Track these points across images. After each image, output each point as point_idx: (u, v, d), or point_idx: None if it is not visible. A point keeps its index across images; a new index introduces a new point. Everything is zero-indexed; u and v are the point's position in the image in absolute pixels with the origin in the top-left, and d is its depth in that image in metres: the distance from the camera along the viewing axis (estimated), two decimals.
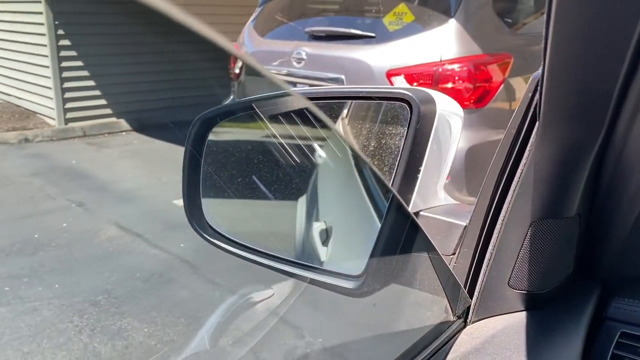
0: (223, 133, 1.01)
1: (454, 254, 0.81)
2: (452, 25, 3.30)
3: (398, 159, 0.79)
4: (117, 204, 4.98)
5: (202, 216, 0.98)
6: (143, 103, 7.82)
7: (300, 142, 0.88)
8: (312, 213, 0.93)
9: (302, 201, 0.93)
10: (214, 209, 0.99)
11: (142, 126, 7.69)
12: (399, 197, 0.73)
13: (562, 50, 0.52)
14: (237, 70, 4.38)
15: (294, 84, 3.87)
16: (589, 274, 0.82)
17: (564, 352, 0.71)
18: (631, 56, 0.50)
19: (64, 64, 7.28)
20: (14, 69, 8.11)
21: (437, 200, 0.89)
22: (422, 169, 0.78)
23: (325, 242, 0.87)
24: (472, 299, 0.79)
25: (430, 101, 0.82)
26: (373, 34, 3.56)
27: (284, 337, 2.19)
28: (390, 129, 0.85)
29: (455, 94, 3.23)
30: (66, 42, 7.26)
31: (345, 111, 0.98)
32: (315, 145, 0.88)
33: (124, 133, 7.70)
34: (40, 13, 7.12)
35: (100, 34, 7.41)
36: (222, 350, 1.21)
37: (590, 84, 0.55)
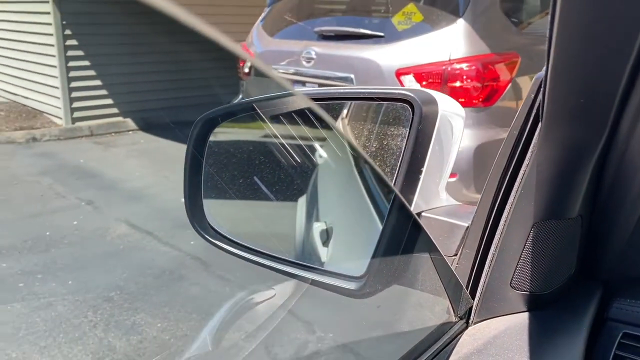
0: (224, 134, 1.02)
1: (456, 254, 0.81)
2: (460, 25, 3.34)
3: (400, 160, 0.79)
4: (126, 202, 5.02)
5: (204, 217, 0.98)
6: (149, 102, 7.85)
7: (301, 142, 0.88)
8: (312, 213, 0.93)
9: (302, 201, 0.94)
10: (215, 209, 0.99)
11: (148, 125, 7.72)
12: (401, 197, 0.72)
13: (565, 51, 0.52)
14: (246, 70, 4.42)
15: (303, 83, 3.91)
16: (591, 274, 0.82)
17: (566, 353, 0.71)
18: (635, 57, 0.50)
19: (71, 63, 7.32)
20: (21, 69, 8.16)
21: (439, 201, 0.88)
22: (424, 169, 0.78)
23: (325, 243, 0.87)
24: (474, 300, 0.79)
25: (432, 102, 0.82)
26: (382, 34, 3.60)
27: (295, 331, 2.24)
28: (392, 129, 0.85)
29: (463, 92, 3.27)
30: (73, 42, 7.30)
31: (345, 111, 0.98)
32: (316, 145, 0.88)
33: (130, 132, 7.74)
34: (48, 13, 7.16)
35: (107, 34, 7.45)
36: (224, 350, 1.22)
37: (593, 84, 0.55)
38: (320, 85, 3.81)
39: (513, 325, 0.76)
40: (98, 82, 7.60)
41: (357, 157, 0.86)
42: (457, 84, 3.26)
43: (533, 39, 3.54)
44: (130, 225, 4.37)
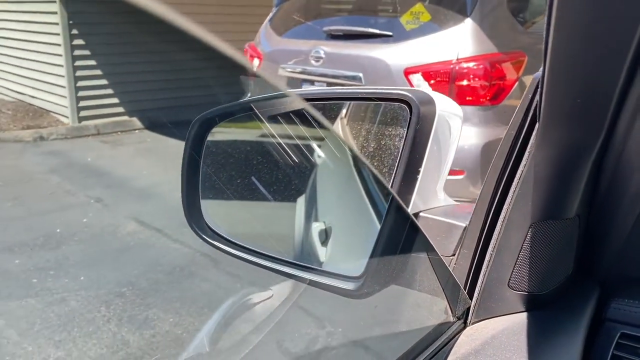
0: (222, 134, 1.01)
1: (453, 255, 0.81)
2: (468, 25, 3.38)
3: (397, 160, 0.79)
4: (135, 200, 5.06)
5: (201, 217, 0.97)
6: (155, 102, 7.89)
7: (299, 142, 0.88)
8: (311, 213, 0.93)
9: (301, 201, 0.93)
10: (213, 210, 0.99)
11: (154, 124, 7.77)
12: (398, 198, 0.72)
13: (562, 51, 0.52)
14: (255, 68, 4.46)
15: (312, 82, 3.96)
16: (589, 275, 0.81)
17: (564, 353, 0.71)
18: (632, 57, 0.49)
19: (78, 63, 7.36)
20: (28, 69, 8.19)
21: (436, 201, 0.88)
22: (421, 169, 0.77)
23: (324, 243, 0.87)
24: (471, 300, 0.78)
25: (430, 102, 0.81)
26: (390, 33, 3.64)
27: (306, 326, 2.28)
28: (390, 129, 0.84)
29: (471, 91, 3.31)
30: (80, 42, 7.34)
31: (344, 111, 0.98)
32: (314, 145, 0.88)
33: (136, 131, 7.78)
34: (55, 13, 7.20)
35: (113, 33, 7.48)
36: (221, 351, 1.22)
37: (590, 85, 0.55)
38: (329, 84, 3.86)
39: (511, 326, 0.75)
40: (104, 82, 7.65)
41: (356, 157, 0.86)
42: (465, 82, 3.30)
43: (538, 38, 3.58)
44: (139, 222, 4.41)
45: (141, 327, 3.00)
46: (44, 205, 4.89)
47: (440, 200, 0.89)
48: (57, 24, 7.21)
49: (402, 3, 3.67)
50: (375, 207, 0.78)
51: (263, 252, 0.89)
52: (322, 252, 0.87)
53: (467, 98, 3.32)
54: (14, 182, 5.52)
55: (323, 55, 3.88)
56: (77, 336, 2.90)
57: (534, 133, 0.69)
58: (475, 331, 0.77)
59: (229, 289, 3.48)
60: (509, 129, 0.74)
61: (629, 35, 0.47)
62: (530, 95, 0.72)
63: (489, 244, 0.76)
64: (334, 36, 3.95)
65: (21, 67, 8.34)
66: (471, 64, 3.31)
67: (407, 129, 0.79)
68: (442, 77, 3.34)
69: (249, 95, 4.57)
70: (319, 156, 0.90)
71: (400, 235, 0.71)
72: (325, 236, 0.87)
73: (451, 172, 3.00)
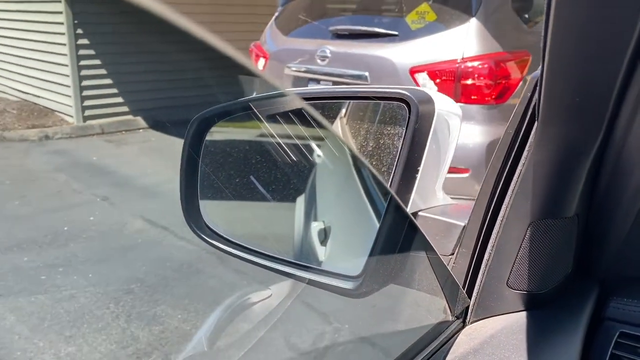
0: (221, 133, 1.01)
1: (452, 254, 0.81)
2: (473, 24, 3.41)
3: (396, 159, 0.78)
4: (141, 198, 5.10)
5: (200, 217, 0.97)
6: (159, 101, 7.93)
7: (298, 142, 0.88)
8: (310, 213, 0.93)
9: (301, 201, 0.93)
10: (211, 209, 0.98)
11: (158, 124, 7.81)
12: (396, 197, 0.72)
13: (561, 49, 0.52)
14: (260, 68, 4.50)
15: (318, 81, 3.99)
16: (588, 274, 0.81)
17: (563, 352, 0.71)
18: (630, 54, 0.49)
19: (82, 62, 7.39)
20: (33, 68, 8.22)
21: (435, 200, 0.88)
22: (420, 169, 0.77)
23: (323, 242, 0.87)
24: (470, 299, 0.78)
25: (429, 101, 0.81)
26: (396, 33, 3.67)
27: (312, 322, 2.31)
28: (389, 128, 0.84)
29: (476, 90, 3.34)
30: (85, 41, 7.37)
31: (343, 111, 0.97)
32: (314, 145, 0.88)
33: (140, 130, 7.81)
34: (60, 13, 7.24)
35: (118, 33, 7.51)
36: (219, 351, 1.21)
37: (589, 83, 0.55)
38: (335, 83, 3.89)
39: (510, 325, 0.75)
40: (109, 81, 7.68)
41: (355, 157, 0.85)
42: (470, 81, 3.33)
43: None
44: (146, 220, 4.45)
45: (150, 323, 3.03)
46: (51, 204, 4.92)
47: (439, 199, 0.89)
48: (62, 23, 7.24)
49: (408, 3, 3.70)
50: (375, 206, 0.78)
51: (262, 251, 0.89)
52: (321, 252, 0.86)
53: (472, 97, 3.35)
54: (20, 181, 5.56)
55: (329, 55, 3.92)
56: (87, 332, 2.93)
57: (532, 132, 0.69)
58: (474, 330, 0.77)
59: (236, 285, 3.51)
60: (507, 128, 0.74)
61: (627, 33, 0.47)
62: (529, 94, 0.72)
63: (487, 243, 0.76)
64: (339, 35, 3.98)
65: (26, 66, 8.37)
66: (476, 63, 3.34)
67: (406, 128, 0.79)
68: (448, 76, 3.37)
69: (254, 94, 4.61)
70: (318, 156, 0.90)
71: (399, 235, 0.71)
72: (324, 236, 0.87)
73: (456, 170, 3.03)
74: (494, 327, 0.76)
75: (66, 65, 7.38)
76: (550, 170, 0.66)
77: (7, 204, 4.89)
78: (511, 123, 0.74)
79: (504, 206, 0.74)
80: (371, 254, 0.72)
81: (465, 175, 3.31)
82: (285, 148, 0.88)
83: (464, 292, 0.78)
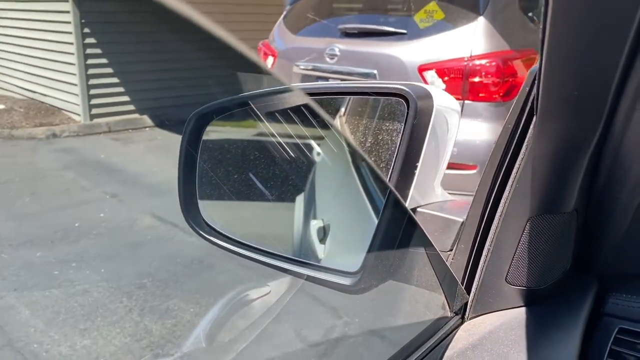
0: (219, 129, 1.00)
1: (451, 250, 0.80)
2: (480, 23, 3.45)
3: (395, 155, 0.78)
4: (149, 195, 5.13)
5: (198, 213, 0.96)
6: (165, 100, 7.97)
7: (297, 138, 0.87)
8: (309, 211, 0.92)
9: (300, 199, 0.92)
10: (210, 206, 0.98)
11: (164, 122, 7.86)
12: (396, 192, 0.72)
13: (559, 43, 0.52)
14: (269, 66, 4.55)
15: (327, 79, 4.03)
16: (587, 269, 0.81)
17: (561, 348, 0.71)
18: (628, 48, 0.49)
19: (90, 61, 7.44)
20: (40, 67, 8.27)
21: (434, 196, 0.87)
22: (419, 164, 0.76)
23: (322, 240, 0.86)
24: (469, 295, 0.78)
25: (427, 96, 0.80)
26: (404, 31, 3.71)
27: (323, 317, 2.35)
28: (387, 124, 0.83)
29: (484, 87, 3.38)
30: (92, 40, 7.42)
31: (342, 109, 0.97)
32: (313, 142, 0.87)
33: (147, 129, 7.86)
34: (67, 12, 7.29)
35: (125, 32, 7.56)
36: (219, 347, 1.22)
37: (587, 76, 0.54)
38: (344, 81, 3.93)
39: (508, 321, 0.75)
40: (115, 80, 7.73)
41: (354, 154, 0.85)
42: (478, 79, 3.37)
43: None
44: (155, 217, 4.49)
45: (163, 317, 3.08)
46: (61, 201, 4.97)
47: (437, 195, 0.88)
48: (69, 22, 7.29)
49: (416, 2, 3.74)
50: (373, 203, 0.78)
51: (260, 247, 0.89)
52: (320, 250, 0.86)
53: (480, 94, 3.38)
54: (29, 179, 5.61)
55: (338, 53, 3.96)
56: (101, 325, 2.98)
57: (531, 126, 0.69)
58: (473, 326, 0.77)
59: (246, 280, 3.55)
60: (506, 123, 0.73)
61: (626, 26, 0.47)
62: (527, 88, 0.71)
63: (486, 238, 0.75)
64: (348, 34, 4.02)
65: (33, 65, 8.42)
66: (484, 61, 3.38)
67: (405, 124, 0.78)
68: (456, 74, 3.41)
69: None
70: (318, 154, 0.89)
71: (398, 230, 0.71)
72: (323, 234, 0.87)
73: (464, 167, 3.07)
74: (492, 323, 0.76)
75: (73, 64, 7.43)
76: (549, 165, 0.66)
77: (17, 201, 4.94)
78: (510, 118, 0.73)
79: (502, 202, 0.73)
80: (370, 250, 0.72)
81: (473, 171, 3.34)
82: (284, 145, 0.88)
83: (463, 288, 0.77)
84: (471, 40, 3.45)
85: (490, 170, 0.75)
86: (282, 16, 4.70)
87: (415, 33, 3.67)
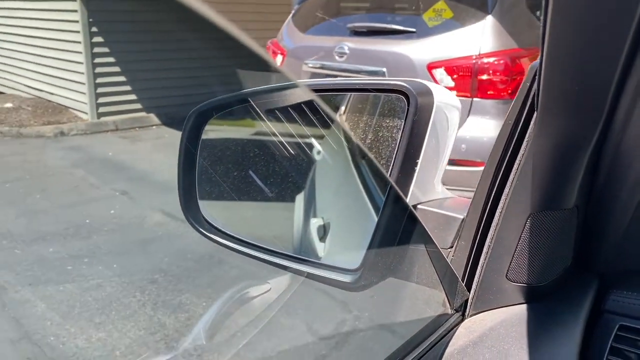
0: (218, 127, 0.99)
1: (451, 247, 0.80)
2: (489, 21, 3.49)
3: (395, 152, 0.77)
4: (159, 192, 5.17)
5: (199, 211, 0.96)
6: (172, 98, 8.03)
7: (297, 136, 0.87)
8: (310, 209, 0.91)
9: (300, 198, 0.92)
10: (210, 203, 0.98)
11: (171, 120, 7.91)
12: (397, 189, 0.71)
13: (559, 39, 0.51)
14: (278, 64, 4.59)
15: (336, 77, 4.07)
16: (587, 266, 0.81)
17: (562, 345, 0.70)
18: (629, 44, 0.49)
19: (97, 60, 7.50)
20: (47, 66, 8.31)
21: (434, 193, 0.87)
22: (419, 161, 0.76)
23: (322, 238, 0.86)
24: (470, 292, 0.78)
25: (428, 93, 0.80)
26: (414, 29, 3.74)
27: (333, 311, 2.39)
28: (388, 121, 0.83)
29: (492, 85, 3.42)
30: (99, 39, 7.47)
31: (342, 108, 0.97)
32: (313, 140, 0.87)
33: (154, 127, 7.91)
34: (75, 11, 7.34)
35: (132, 31, 7.61)
36: (219, 344, 1.22)
37: (588, 72, 0.54)
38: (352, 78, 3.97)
39: (509, 318, 0.75)
40: (122, 78, 7.78)
41: (354, 151, 0.84)
42: (487, 77, 3.41)
43: None
44: (165, 214, 4.53)
45: (176, 311, 3.12)
46: (70, 198, 5.02)
47: (438, 192, 0.88)
48: (77, 21, 7.34)
49: (424, 0, 3.78)
50: (373, 200, 0.77)
51: (260, 245, 0.89)
52: (320, 247, 0.86)
53: (489, 92, 3.42)
54: (39, 176, 5.67)
55: (347, 51, 4.00)
56: (115, 319, 3.03)
57: (531, 123, 0.68)
58: (474, 323, 0.77)
59: (256, 275, 3.59)
60: (506, 119, 0.73)
61: (627, 22, 0.47)
62: (528, 84, 0.71)
63: (486, 235, 0.75)
64: (357, 32, 4.06)
65: (41, 64, 8.46)
66: (492, 59, 3.42)
67: (405, 120, 0.77)
68: (465, 72, 3.45)
69: None
70: (318, 152, 0.88)
71: (398, 227, 0.71)
72: (323, 232, 0.86)
73: (472, 163, 3.11)
74: (493, 320, 0.75)
75: (81, 63, 7.48)
76: (549, 162, 0.66)
77: (27, 198, 4.99)
78: (510, 114, 0.73)
79: (503, 198, 0.73)
80: (370, 247, 0.71)
81: (481, 168, 3.38)
82: (284, 142, 0.87)
83: (463, 285, 0.77)
84: (480, 38, 3.49)
85: (490, 166, 0.75)
86: (291, 15, 4.75)
87: (424, 31, 3.71)
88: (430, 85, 0.82)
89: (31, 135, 7.13)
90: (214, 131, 0.98)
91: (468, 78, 3.44)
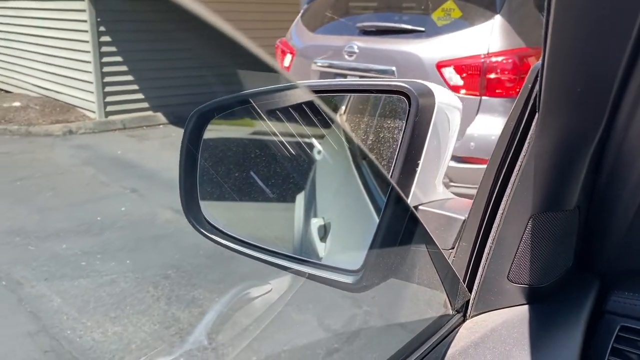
0: (220, 127, 0.99)
1: (453, 248, 0.80)
2: (497, 21, 3.52)
3: (396, 153, 0.77)
4: (168, 190, 5.21)
5: (200, 211, 0.96)
6: (179, 97, 8.07)
7: (298, 136, 0.87)
8: (310, 209, 0.91)
9: (301, 198, 0.92)
10: (211, 204, 0.97)
11: (178, 119, 7.95)
12: (398, 189, 0.71)
13: (561, 38, 0.51)
14: (286, 64, 4.64)
15: (345, 76, 4.12)
16: (589, 266, 0.80)
17: (563, 346, 0.70)
18: (632, 44, 0.49)
19: (105, 59, 7.54)
20: (55, 65, 8.35)
21: (436, 194, 0.87)
22: (420, 162, 0.76)
23: (323, 238, 0.86)
24: (471, 293, 0.77)
25: (429, 94, 0.79)
26: (423, 29, 3.78)
27: (344, 307, 2.43)
28: (389, 122, 0.83)
29: (501, 84, 3.46)
30: (107, 39, 7.52)
31: (343, 107, 0.96)
32: (314, 141, 0.87)
33: (161, 126, 7.96)
34: (83, 11, 7.40)
35: (140, 30, 7.66)
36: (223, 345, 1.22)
37: (590, 72, 0.54)
38: (362, 77, 4.02)
39: (510, 319, 0.75)
40: (130, 77, 7.83)
41: (355, 152, 0.84)
42: (495, 76, 3.45)
43: None
44: (175, 211, 4.57)
45: (189, 306, 3.17)
46: (81, 196, 5.07)
47: (439, 193, 0.88)
48: (85, 21, 7.39)
49: (433, 0, 3.83)
50: (374, 200, 0.77)
51: (261, 245, 0.88)
52: (321, 248, 0.85)
53: (497, 91, 3.46)
54: (50, 174, 5.72)
55: (357, 50, 4.04)
56: (130, 313, 3.08)
57: (533, 123, 0.68)
58: (475, 324, 0.77)
59: (267, 270, 3.63)
60: (508, 120, 0.73)
61: (629, 22, 0.47)
62: (529, 85, 0.70)
63: (488, 236, 0.75)
64: (366, 32, 4.10)
65: (49, 63, 8.52)
66: (501, 58, 3.46)
67: (406, 121, 0.77)
68: (474, 71, 3.49)
69: None
70: (318, 152, 0.88)
71: (400, 228, 0.70)
72: (324, 232, 0.86)
73: (481, 161, 3.15)
74: (494, 321, 0.75)
75: (89, 62, 7.54)
76: (551, 162, 0.65)
77: (39, 196, 5.04)
78: (512, 115, 0.72)
79: (504, 199, 0.73)
80: (371, 248, 0.71)
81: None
82: (285, 143, 0.87)
83: (465, 286, 0.77)
84: (488, 37, 3.53)
85: (492, 168, 0.75)
86: (300, 14, 4.79)
87: (433, 31, 3.75)
88: (432, 85, 0.82)
89: (40, 133, 7.19)
90: (215, 132, 0.98)
91: (477, 77, 3.49)
